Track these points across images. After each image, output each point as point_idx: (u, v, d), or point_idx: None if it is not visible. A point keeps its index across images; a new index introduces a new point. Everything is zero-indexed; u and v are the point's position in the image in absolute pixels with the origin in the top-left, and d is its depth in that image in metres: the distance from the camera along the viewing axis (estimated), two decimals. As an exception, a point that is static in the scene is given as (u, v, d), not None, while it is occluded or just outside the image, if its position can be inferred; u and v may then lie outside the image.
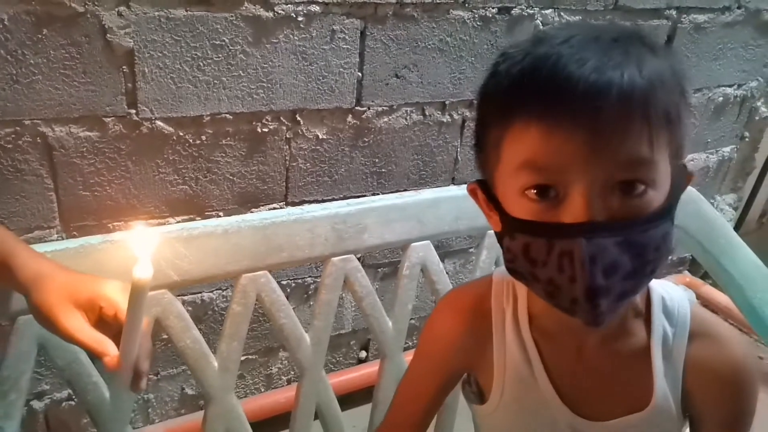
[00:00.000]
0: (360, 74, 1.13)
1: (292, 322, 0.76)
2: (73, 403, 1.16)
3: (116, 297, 0.52)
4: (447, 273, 0.86)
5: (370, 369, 1.37)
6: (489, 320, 0.59)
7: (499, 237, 0.51)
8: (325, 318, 0.78)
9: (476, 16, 1.17)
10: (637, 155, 0.44)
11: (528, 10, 1.21)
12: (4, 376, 0.62)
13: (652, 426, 0.55)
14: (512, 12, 1.21)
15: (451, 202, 0.83)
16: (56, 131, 0.94)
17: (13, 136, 0.91)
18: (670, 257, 0.49)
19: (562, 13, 1.25)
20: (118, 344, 0.51)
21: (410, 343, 0.94)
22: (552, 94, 0.44)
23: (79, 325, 0.51)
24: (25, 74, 0.88)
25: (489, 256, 0.86)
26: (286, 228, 0.74)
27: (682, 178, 0.49)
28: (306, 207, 0.77)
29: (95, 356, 0.50)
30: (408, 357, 0.70)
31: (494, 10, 1.19)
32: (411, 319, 0.84)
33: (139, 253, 0.48)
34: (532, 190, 0.46)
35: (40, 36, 0.87)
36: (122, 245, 0.66)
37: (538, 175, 0.45)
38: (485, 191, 0.52)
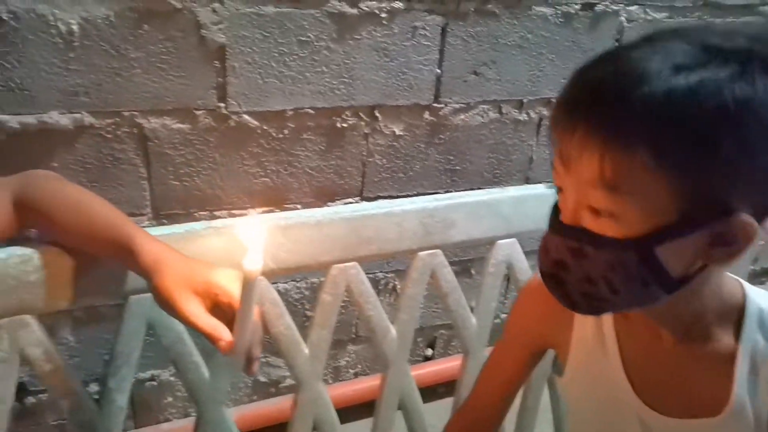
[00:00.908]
0: (439, 71, 1.13)
1: (378, 314, 0.77)
2: (155, 383, 1.22)
3: (230, 285, 0.54)
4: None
5: (437, 367, 1.37)
6: None
7: None
8: (411, 312, 0.78)
9: (559, 12, 1.15)
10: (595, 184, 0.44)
11: (612, 6, 1.18)
12: (117, 352, 0.66)
13: None
14: (596, 8, 1.18)
15: (539, 200, 0.81)
16: (151, 122, 0.99)
17: (113, 126, 0.97)
18: (648, 289, 0.46)
19: (647, 10, 1.21)
20: (231, 329, 0.53)
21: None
22: (566, 99, 0.46)
23: (196, 311, 0.53)
24: (126, 68, 0.93)
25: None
26: (376, 221, 0.75)
27: (709, 221, 0.44)
28: (395, 201, 0.77)
29: (210, 341, 0.52)
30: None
31: (577, 6, 1.16)
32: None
33: (250, 244, 0.49)
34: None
35: (141, 31, 0.92)
36: (224, 231, 0.69)
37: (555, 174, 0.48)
38: None
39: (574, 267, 0.47)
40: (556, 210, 0.49)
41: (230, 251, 0.68)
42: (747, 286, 0.54)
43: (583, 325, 0.59)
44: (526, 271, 0.83)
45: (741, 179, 0.43)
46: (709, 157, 0.42)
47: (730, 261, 0.46)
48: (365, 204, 0.77)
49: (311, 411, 0.75)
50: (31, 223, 0.62)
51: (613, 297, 0.47)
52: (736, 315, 0.53)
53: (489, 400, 0.67)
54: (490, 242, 0.81)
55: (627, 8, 1.20)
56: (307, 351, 0.74)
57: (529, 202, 0.82)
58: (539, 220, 0.81)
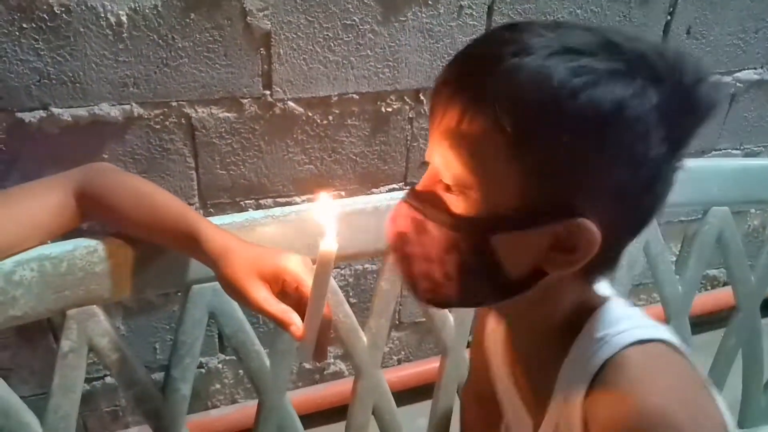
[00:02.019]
0: (485, 51, 1.10)
1: (436, 300, 0.76)
2: (203, 370, 1.23)
3: (299, 270, 0.54)
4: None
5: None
6: None
7: None
8: (469, 298, 0.77)
9: (609, -15, 1.11)
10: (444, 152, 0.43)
11: (666, -23, 1.13)
12: (181, 341, 0.66)
13: None
14: (648, -22, 1.13)
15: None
16: (199, 112, 0.99)
17: (161, 117, 0.97)
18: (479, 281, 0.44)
19: None
20: (299, 314, 0.52)
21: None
22: (449, 61, 0.44)
23: (265, 297, 0.52)
24: (174, 57, 0.93)
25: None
26: (434, 206, 0.73)
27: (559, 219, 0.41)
28: (452, 185, 0.76)
29: (281, 326, 0.52)
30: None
31: (628, -20, 1.12)
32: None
33: (326, 226, 0.48)
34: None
35: (188, 20, 0.91)
36: (283, 219, 0.68)
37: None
38: None
39: (416, 241, 0.45)
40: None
41: (289, 239, 0.68)
42: (611, 301, 0.49)
43: (490, 316, 0.62)
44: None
45: (594, 187, 0.40)
46: (568, 155, 0.38)
47: (571, 268, 0.42)
48: (421, 189, 0.75)
49: (370, 398, 0.75)
50: (94, 215, 0.63)
51: (445, 284, 0.44)
52: (582, 324, 0.48)
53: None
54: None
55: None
56: (365, 339, 0.73)
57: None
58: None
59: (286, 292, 0.54)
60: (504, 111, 0.39)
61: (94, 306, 0.63)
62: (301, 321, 0.52)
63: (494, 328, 0.61)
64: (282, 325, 0.52)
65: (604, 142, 0.39)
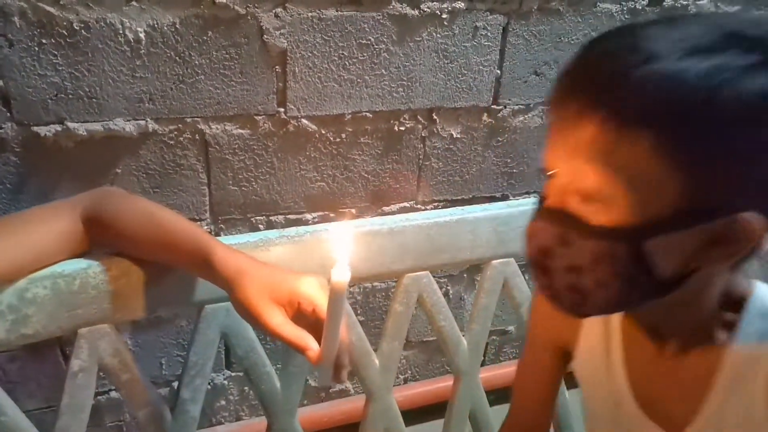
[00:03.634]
0: (499, 72, 1.10)
1: (450, 324, 0.75)
2: (209, 386, 1.22)
3: (314, 293, 0.53)
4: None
5: (486, 374, 1.34)
6: None
7: None
8: (483, 322, 0.76)
9: (625, 8, 1.11)
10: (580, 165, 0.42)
11: (681, 1, 1.13)
12: (192, 362, 0.65)
13: None
14: (664, 3, 1.13)
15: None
16: (213, 128, 0.99)
17: (175, 133, 0.97)
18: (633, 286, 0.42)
19: (719, 3, 1.15)
20: (315, 336, 0.51)
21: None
22: (567, 70, 0.44)
23: (280, 321, 0.52)
24: (190, 74, 0.93)
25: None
26: (449, 228, 0.73)
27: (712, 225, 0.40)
28: (467, 207, 0.75)
29: (298, 351, 0.51)
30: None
31: (644, 2, 1.12)
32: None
33: (337, 255, 0.48)
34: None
35: (205, 38, 0.92)
36: (297, 240, 0.68)
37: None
38: None
39: (560, 254, 0.44)
40: (542, 198, 0.46)
41: (303, 259, 0.67)
42: (760, 286, 0.49)
43: (590, 331, 0.57)
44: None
45: (751, 179, 0.39)
46: (721, 152, 0.38)
47: (727, 262, 0.42)
48: (437, 211, 0.74)
49: (382, 422, 0.74)
50: (102, 241, 0.62)
51: (597, 292, 0.43)
52: (736, 318, 0.49)
53: (528, 407, 0.65)
54: (565, 251, 0.78)
55: (697, 2, 1.15)
56: (377, 362, 0.72)
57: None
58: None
59: (302, 314, 0.54)
60: (648, 121, 0.38)
61: (106, 325, 0.62)
62: (317, 345, 0.51)
63: (604, 352, 0.56)
64: (298, 349, 0.51)
65: (756, 133, 0.38)
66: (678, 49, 0.38)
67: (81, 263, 0.61)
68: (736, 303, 0.48)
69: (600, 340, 0.56)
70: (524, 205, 0.76)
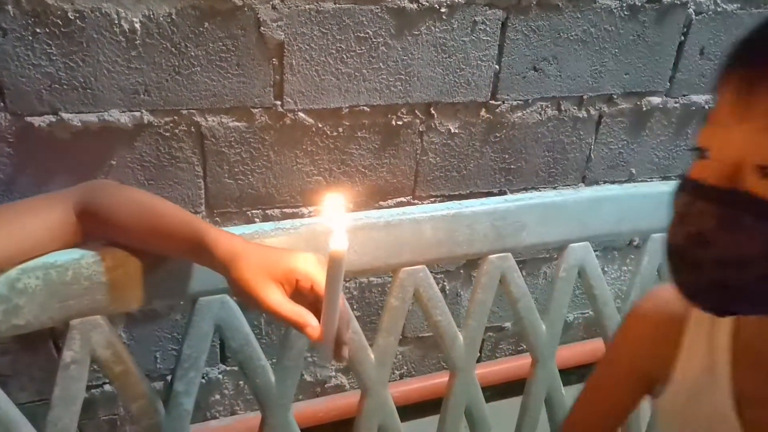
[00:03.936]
0: (497, 67, 1.10)
1: (446, 319, 0.74)
2: (204, 381, 1.21)
3: (311, 269, 0.52)
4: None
5: (482, 370, 1.34)
6: (683, 324, 0.54)
7: None
8: (479, 318, 0.76)
9: (624, 5, 1.10)
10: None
11: (681, -3, 1.13)
12: (186, 355, 0.65)
13: None
14: (663, 0, 1.12)
15: (614, 202, 0.78)
16: (209, 121, 0.98)
17: (171, 125, 0.96)
18: None
19: (718, 1, 1.15)
20: (314, 314, 0.51)
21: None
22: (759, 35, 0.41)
23: (279, 299, 0.51)
24: (186, 66, 0.92)
25: (651, 262, 0.80)
26: (446, 222, 0.72)
27: None
28: (465, 202, 0.75)
29: (297, 328, 0.50)
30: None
31: (644, -1, 1.11)
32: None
33: (334, 226, 0.47)
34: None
35: (201, 29, 0.91)
36: (292, 232, 0.67)
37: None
38: None
39: (720, 242, 0.38)
40: (692, 179, 0.41)
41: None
42: None
43: (691, 354, 0.52)
44: (600, 277, 0.79)
45: None
46: None
47: None
48: (434, 205, 0.74)
49: (377, 417, 0.73)
50: (96, 233, 0.62)
51: (756, 288, 0.38)
52: None
53: (598, 422, 0.61)
54: (562, 246, 0.78)
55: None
56: (373, 357, 0.72)
57: (603, 204, 0.78)
58: (615, 224, 0.78)
59: (300, 292, 0.53)
60: None
61: (99, 316, 0.62)
62: (317, 321, 0.50)
63: (707, 371, 0.51)
64: (297, 327, 0.50)
65: None
66: None
67: (73, 254, 0.60)
68: None
69: (703, 366, 0.51)
70: (521, 200, 0.76)
